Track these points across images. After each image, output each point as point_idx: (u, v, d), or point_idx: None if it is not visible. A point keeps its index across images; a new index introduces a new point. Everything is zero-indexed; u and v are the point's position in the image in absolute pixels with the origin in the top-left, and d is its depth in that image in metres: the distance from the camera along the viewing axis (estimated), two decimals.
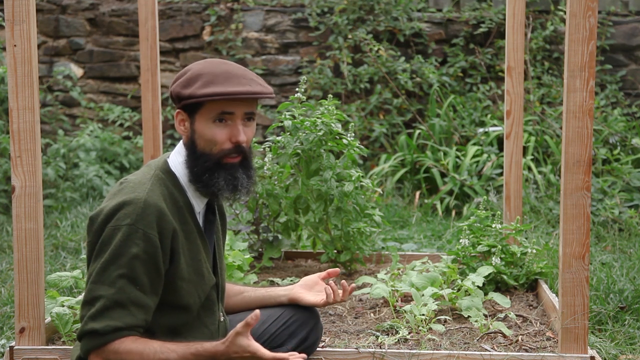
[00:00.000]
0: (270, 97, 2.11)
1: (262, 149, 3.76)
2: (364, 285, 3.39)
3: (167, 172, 2.12)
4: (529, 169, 5.61)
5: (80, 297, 3.02)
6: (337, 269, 2.44)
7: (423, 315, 2.85)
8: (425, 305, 2.90)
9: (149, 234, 1.97)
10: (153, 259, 1.99)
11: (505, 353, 2.56)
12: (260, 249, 3.87)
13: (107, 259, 1.96)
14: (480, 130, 6.04)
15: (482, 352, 2.56)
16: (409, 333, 2.79)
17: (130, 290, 1.97)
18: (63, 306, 2.86)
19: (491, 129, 5.95)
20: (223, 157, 2.10)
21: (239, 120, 2.10)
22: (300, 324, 2.40)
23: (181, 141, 2.19)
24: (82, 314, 1.99)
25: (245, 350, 1.97)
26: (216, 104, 2.07)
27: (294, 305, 2.43)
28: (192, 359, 1.98)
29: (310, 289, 2.44)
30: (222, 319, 2.27)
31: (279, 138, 3.65)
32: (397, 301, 3.16)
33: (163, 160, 2.16)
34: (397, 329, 2.83)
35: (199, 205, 2.17)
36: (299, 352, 2.40)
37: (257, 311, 1.97)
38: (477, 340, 2.75)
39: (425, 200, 5.67)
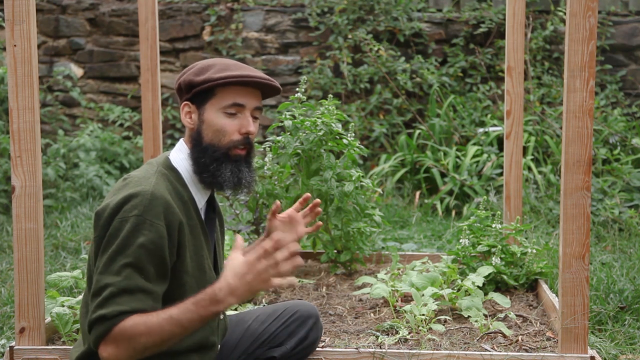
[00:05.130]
0: (278, 90, 2.17)
1: (262, 149, 3.76)
2: (364, 285, 3.40)
3: (169, 169, 2.13)
4: (529, 169, 5.61)
5: (80, 297, 3.02)
6: (307, 194, 2.30)
7: (423, 315, 2.85)
8: (425, 305, 2.90)
9: (156, 224, 1.97)
10: (159, 249, 1.98)
11: (505, 353, 2.56)
12: None
13: (114, 250, 1.95)
14: (480, 130, 6.04)
15: (482, 352, 2.56)
16: (409, 333, 2.79)
17: (136, 279, 1.94)
18: (63, 306, 2.86)
19: (491, 129, 5.95)
20: (231, 149, 2.13)
21: (248, 113, 2.14)
22: (300, 324, 2.40)
23: (181, 139, 2.20)
24: (91, 306, 1.95)
25: (243, 265, 1.87)
26: (229, 93, 2.10)
27: (294, 305, 2.43)
28: (193, 309, 1.89)
29: (291, 224, 2.33)
30: (222, 316, 2.27)
31: (279, 138, 3.65)
32: (397, 301, 3.16)
33: (164, 157, 2.17)
34: (397, 329, 2.83)
35: (200, 201, 2.18)
36: (299, 352, 2.41)
37: (239, 236, 1.95)
38: (477, 340, 2.75)
39: (425, 200, 5.67)
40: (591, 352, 2.52)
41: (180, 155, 2.16)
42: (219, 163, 2.11)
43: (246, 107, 2.13)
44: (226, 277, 1.89)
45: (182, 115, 2.17)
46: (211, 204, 2.24)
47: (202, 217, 2.20)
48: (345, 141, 3.69)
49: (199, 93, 2.12)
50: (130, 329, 1.89)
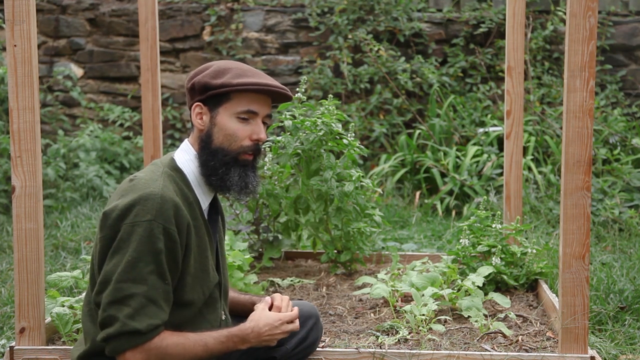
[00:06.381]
0: (290, 99, 2.23)
1: (262, 149, 3.76)
2: (364, 285, 3.39)
3: (175, 170, 2.13)
4: (529, 169, 5.61)
5: (81, 297, 3.02)
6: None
7: (423, 315, 2.85)
8: (425, 305, 2.90)
9: (168, 228, 1.97)
10: (173, 254, 2.00)
11: (505, 353, 2.56)
12: (260, 249, 3.87)
13: (133, 256, 1.94)
14: (481, 130, 6.04)
15: (482, 352, 2.56)
16: (409, 333, 2.79)
17: (160, 286, 1.97)
18: (63, 306, 2.85)
19: (491, 129, 5.95)
20: (241, 154, 2.15)
21: (260, 120, 2.17)
22: (301, 324, 2.40)
23: (186, 140, 2.19)
24: (113, 314, 1.94)
25: (276, 320, 2.15)
26: (245, 100, 2.13)
27: (294, 305, 2.43)
28: (225, 341, 2.08)
29: None
30: (224, 317, 2.27)
31: (279, 138, 3.65)
32: (397, 301, 3.16)
33: (169, 158, 2.17)
34: (397, 329, 2.83)
35: (204, 202, 2.18)
36: (299, 352, 2.41)
37: (267, 298, 2.26)
38: (477, 340, 2.75)
39: (426, 200, 5.67)
40: (591, 352, 2.52)
41: (186, 157, 2.16)
42: (228, 167, 2.13)
43: (259, 114, 2.16)
44: (258, 323, 2.14)
45: (193, 115, 2.16)
46: (214, 205, 2.25)
47: (206, 218, 2.20)
48: (345, 141, 3.69)
49: (214, 96, 2.13)
50: (167, 348, 1.99)
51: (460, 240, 3.48)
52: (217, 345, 2.06)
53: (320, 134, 3.59)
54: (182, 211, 2.02)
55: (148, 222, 1.95)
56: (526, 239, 4.03)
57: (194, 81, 2.16)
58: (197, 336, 2.04)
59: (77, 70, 6.99)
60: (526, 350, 2.64)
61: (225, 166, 2.13)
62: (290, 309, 2.25)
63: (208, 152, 2.13)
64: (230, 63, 2.18)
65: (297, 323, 2.21)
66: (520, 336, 2.80)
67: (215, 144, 2.13)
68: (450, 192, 5.62)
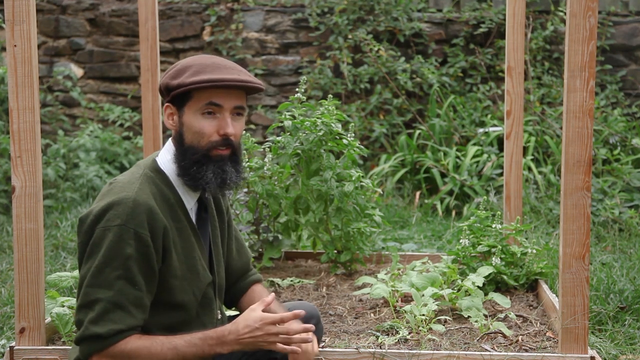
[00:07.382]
0: (258, 89, 2.11)
1: (262, 149, 3.76)
2: (364, 286, 3.40)
3: (156, 171, 2.11)
4: (529, 169, 5.61)
5: None
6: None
7: (423, 315, 2.85)
8: (425, 305, 2.90)
9: (140, 233, 1.96)
10: (146, 258, 1.98)
11: (505, 353, 2.56)
12: (260, 249, 3.87)
13: (101, 261, 1.95)
14: (481, 130, 6.04)
15: (482, 352, 2.56)
16: (409, 333, 2.79)
17: (128, 291, 1.96)
18: (63, 306, 2.86)
19: (491, 129, 5.95)
20: (211, 150, 2.09)
21: (227, 113, 2.09)
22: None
23: (170, 139, 2.18)
24: (80, 318, 1.96)
25: (257, 320, 1.99)
26: (205, 94, 2.06)
27: (296, 306, 2.43)
28: (199, 344, 1.98)
29: None
30: (219, 316, 2.26)
31: (279, 138, 3.65)
32: (397, 301, 3.16)
33: (152, 159, 2.15)
34: (397, 329, 2.83)
35: (189, 202, 2.15)
36: None
37: (272, 294, 2.06)
38: (477, 340, 2.75)
39: (426, 201, 5.67)
40: (591, 352, 2.52)
41: (167, 157, 2.14)
42: (200, 165, 2.08)
43: (224, 107, 2.08)
44: (238, 324, 1.99)
45: (165, 117, 2.14)
46: (202, 203, 2.22)
47: (193, 218, 2.18)
48: (345, 141, 3.69)
49: (176, 96, 2.09)
50: (132, 352, 1.95)
51: (460, 241, 3.48)
52: (190, 348, 1.98)
53: (320, 134, 3.59)
54: (157, 215, 2.00)
55: (118, 227, 1.95)
56: (526, 239, 4.03)
57: (160, 84, 2.14)
58: (166, 339, 1.98)
59: (77, 70, 6.99)
60: (526, 350, 2.65)
61: (196, 164, 2.08)
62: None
63: (181, 152, 2.10)
64: (194, 60, 2.11)
65: (286, 328, 2.00)
66: (520, 336, 2.80)
67: (186, 143, 2.09)
68: (450, 192, 5.62)
